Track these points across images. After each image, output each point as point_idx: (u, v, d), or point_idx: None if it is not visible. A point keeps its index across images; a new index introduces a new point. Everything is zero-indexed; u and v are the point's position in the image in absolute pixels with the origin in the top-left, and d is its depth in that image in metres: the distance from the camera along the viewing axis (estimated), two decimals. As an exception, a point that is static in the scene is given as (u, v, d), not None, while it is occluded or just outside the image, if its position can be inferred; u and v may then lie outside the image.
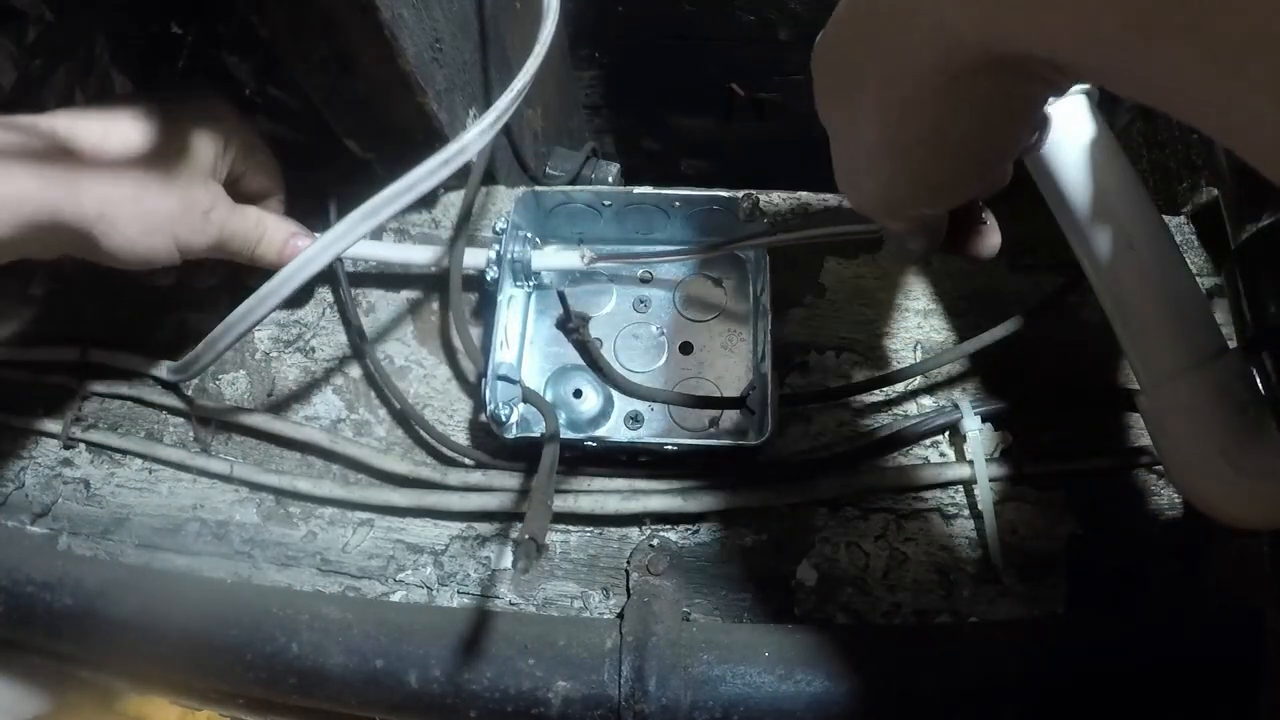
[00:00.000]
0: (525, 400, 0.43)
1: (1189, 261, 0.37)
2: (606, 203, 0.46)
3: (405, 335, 0.49)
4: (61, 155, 0.37)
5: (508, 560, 0.44)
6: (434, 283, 0.50)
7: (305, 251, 0.39)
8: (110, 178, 0.38)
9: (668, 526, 0.43)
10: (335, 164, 0.50)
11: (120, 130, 0.39)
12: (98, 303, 0.52)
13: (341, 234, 0.39)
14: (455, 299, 0.46)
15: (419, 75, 0.41)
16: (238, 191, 0.46)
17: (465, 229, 0.48)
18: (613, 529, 0.44)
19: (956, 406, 0.43)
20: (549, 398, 0.45)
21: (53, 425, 0.49)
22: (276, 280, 0.40)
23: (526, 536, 0.30)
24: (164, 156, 0.39)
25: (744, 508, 0.43)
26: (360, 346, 0.47)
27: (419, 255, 0.48)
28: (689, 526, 0.43)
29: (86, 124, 0.38)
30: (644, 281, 0.48)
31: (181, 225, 0.41)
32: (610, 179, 0.65)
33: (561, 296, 0.34)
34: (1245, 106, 0.16)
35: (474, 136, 0.39)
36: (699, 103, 0.81)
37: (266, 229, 0.45)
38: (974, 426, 0.42)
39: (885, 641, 0.38)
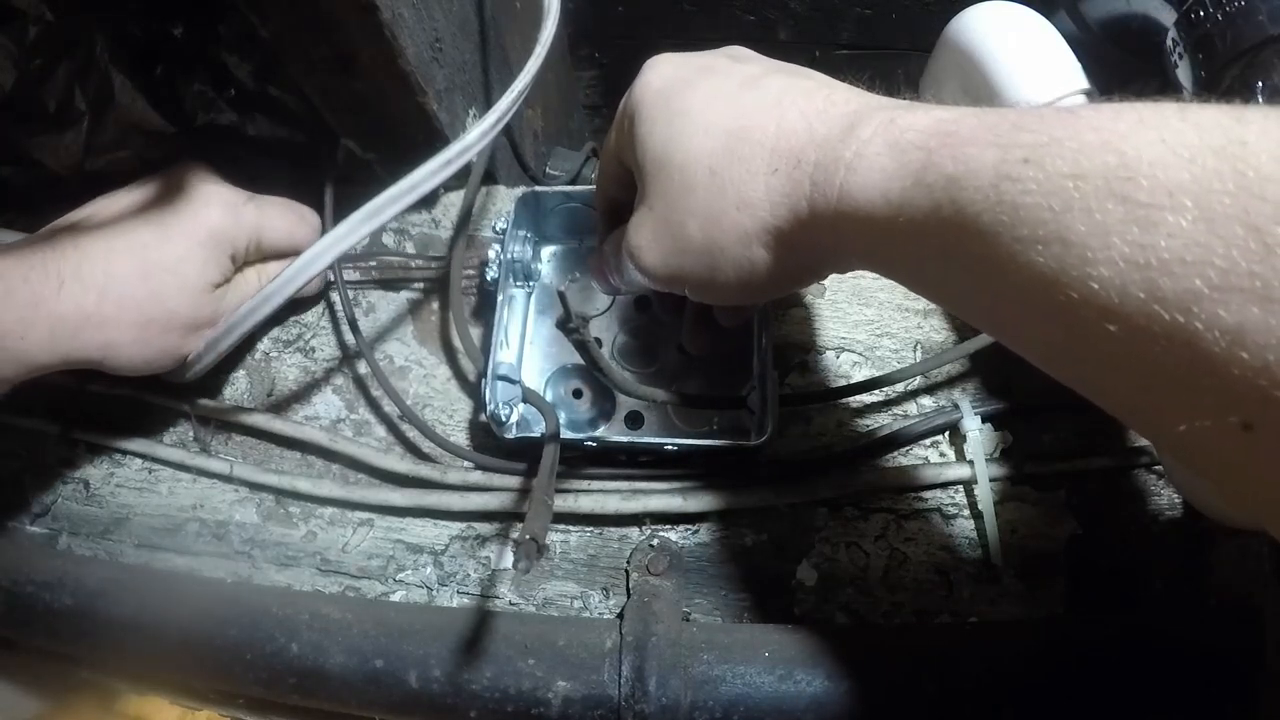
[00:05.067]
0: (525, 400, 0.43)
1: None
2: (606, 203, 0.46)
3: (405, 335, 0.49)
4: (65, 307, 0.38)
5: (508, 560, 0.44)
6: (434, 283, 0.50)
7: (306, 254, 0.39)
8: (113, 323, 0.39)
9: (668, 526, 0.43)
10: (335, 164, 0.50)
11: (119, 279, 0.39)
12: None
13: (342, 235, 0.39)
14: (455, 299, 0.46)
15: (419, 75, 0.41)
16: (264, 260, 0.46)
17: (465, 229, 0.48)
18: (613, 529, 0.44)
19: (956, 406, 0.43)
20: (549, 398, 0.45)
21: (52, 425, 0.49)
22: (278, 282, 0.40)
23: (527, 536, 0.30)
24: (157, 298, 0.40)
25: (744, 508, 0.43)
26: (360, 346, 0.47)
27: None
28: (689, 526, 0.43)
29: (90, 268, 0.39)
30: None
31: (185, 345, 0.42)
32: (610, 179, 0.65)
33: (561, 296, 0.34)
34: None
35: (475, 137, 0.39)
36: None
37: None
38: (974, 426, 0.42)
39: (885, 641, 0.38)
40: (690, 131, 0.30)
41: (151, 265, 0.40)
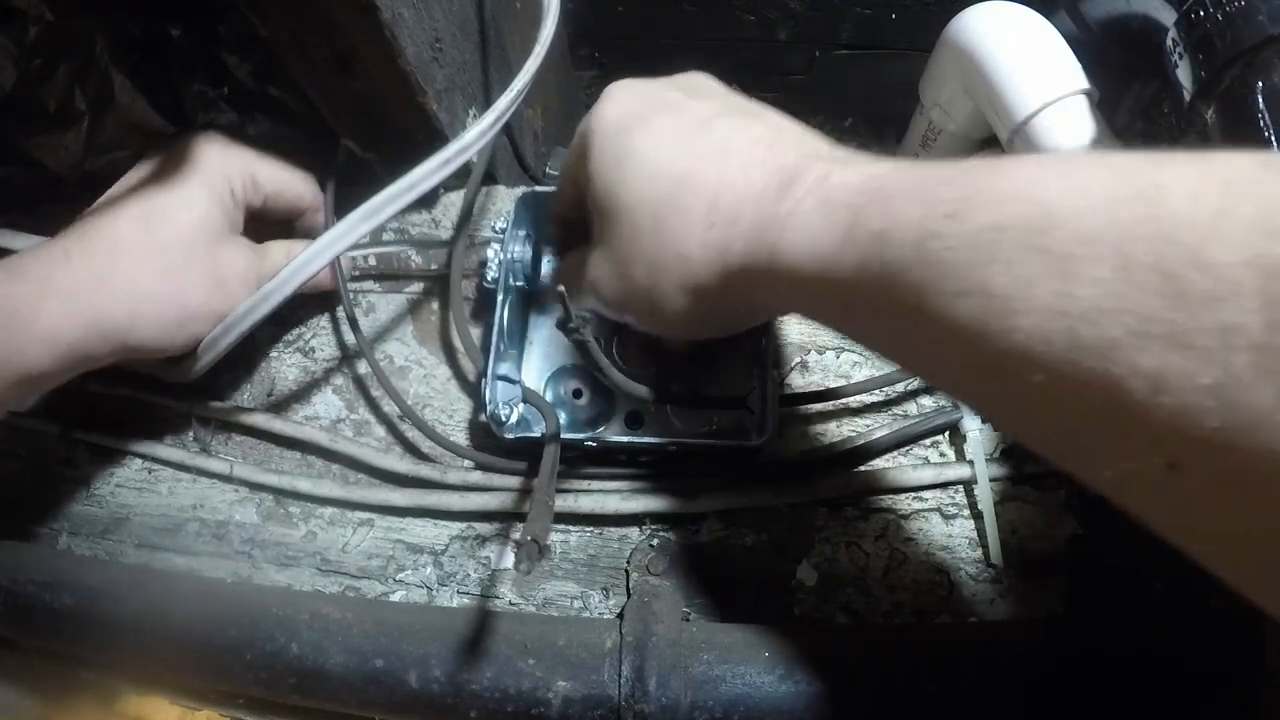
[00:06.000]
0: (525, 400, 0.43)
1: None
2: (606, 203, 0.46)
3: (405, 335, 0.49)
4: (75, 276, 0.37)
5: (508, 560, 0.44)
6: (434, 283, 0.50)
7: (305, 252, 0.39)
8: (128, 288, 0.38)
9: (668, 526, 0.43)
10: (335, 164, 0.50)
11: (125, 237, 0.38)
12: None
13: (341, 234, 0.39)
14: (455, 299, 0.46)
15: (419, 75, 0.41)
16: (270, 221, 0.45)
17: (465, 229, 0.48)
18: (613, 529, 0.44)
19: (956, 406, 0.43)
20: (549, 398, 0.45)
21: (52, 425, 0.49)
22: (277, 280, 0.40)
23: (529, 538, 0.30)
24: (167, 249, 0.39)
25: (744, 508, 0.43)
26: (360, 346, 0.47)
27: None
28: (689, 526, 0.43)
29: (95, 235, 0.38)
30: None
31: (214, 301, 0.40)
32: (610, 179, 0.65)
33: (562, 296, 0.34)
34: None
35: (474, 136, 0.39)
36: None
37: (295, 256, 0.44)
38: (974, 426, 0.42)
39: (885, 641, 0.38)
40: (638, 175, 0.31)
41: (155, 219, 0.39)
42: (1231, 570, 0.18)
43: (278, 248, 0.44)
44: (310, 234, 0.47)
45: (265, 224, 0.45)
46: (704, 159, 0.30)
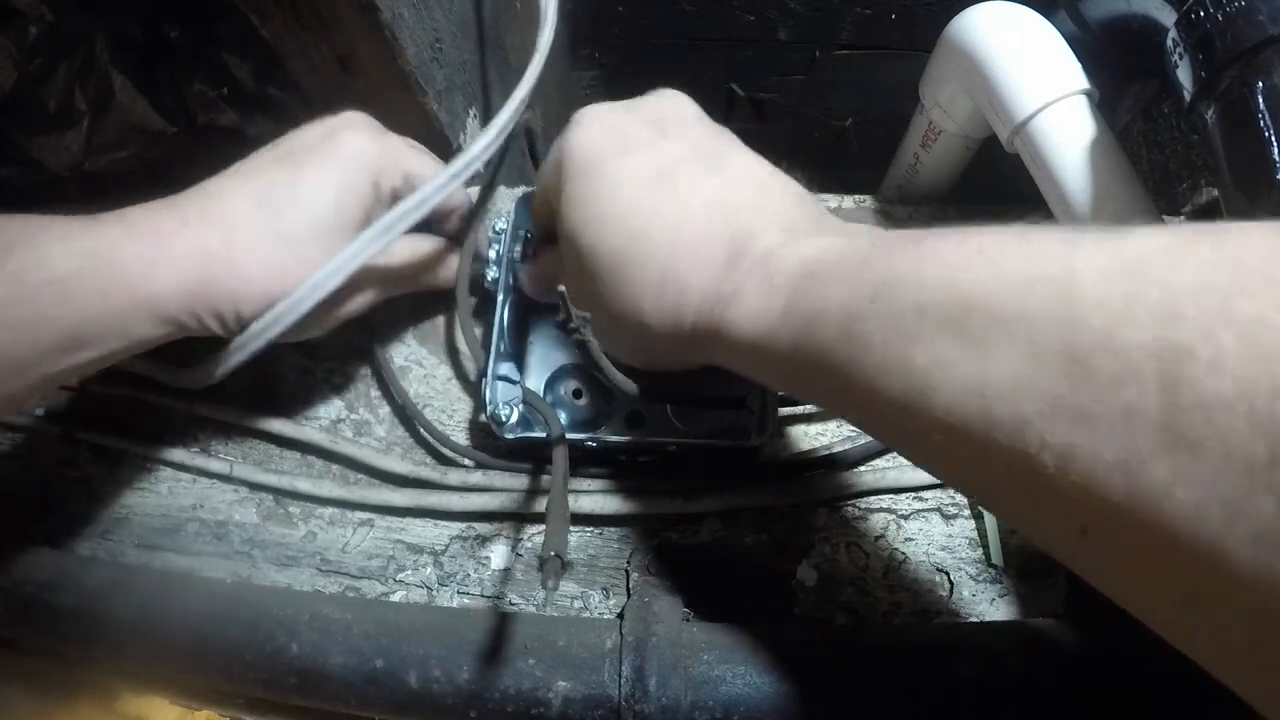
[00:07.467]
0: (525, 402, 0.43)
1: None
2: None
3: (405, 335, 0.49)
4: (188, 244, 0.35)
5: (508, 560, 0.44)
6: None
7: (319, 272, 0.37)
8: (240, 266, 0.36)
9: (668, 526, 0.43)
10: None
11: (245, 217, 0.36)
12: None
13: (356, 252, 0.37)
14: (459, 299, 0.46)
15: (419, 75, 0.41)
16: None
17: (465, 229, 0.48)
18: (613, 529, 0.44)
19: (956, 406, 0.43)
20: (549, 398, 0.45)
21: (52, 425, 0.49)
22: (298, 295, 0.37)
23: (551, 553, 0.30)
24: (286, 238, 0.36)
25: (744, 508, 0.43)
26: (360, 346, 0.47)
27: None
28: (689, 526, 0.43)
29: (217, 207, 0.36)
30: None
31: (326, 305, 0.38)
32: (610, 179, 0.65)
33: (562, 296, 0.34)
34: None
35: (488, 140, 0.39)
36: (699, 102, 0.81)
37: (421, 263, 0.43)
38: (974, 426, 0.42)
39: (885, 641, 0.38)
40: (599, 221, 0.32)
41: (280, 203, 0.36)
42: (1163, 631, 0.19)
43: (402, 242, 0.40)
44: (448, 234, 0.46)
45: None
46: (661, 218, 0.31)
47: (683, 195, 0.32)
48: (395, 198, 0.40)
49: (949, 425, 0.21)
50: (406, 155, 0.40)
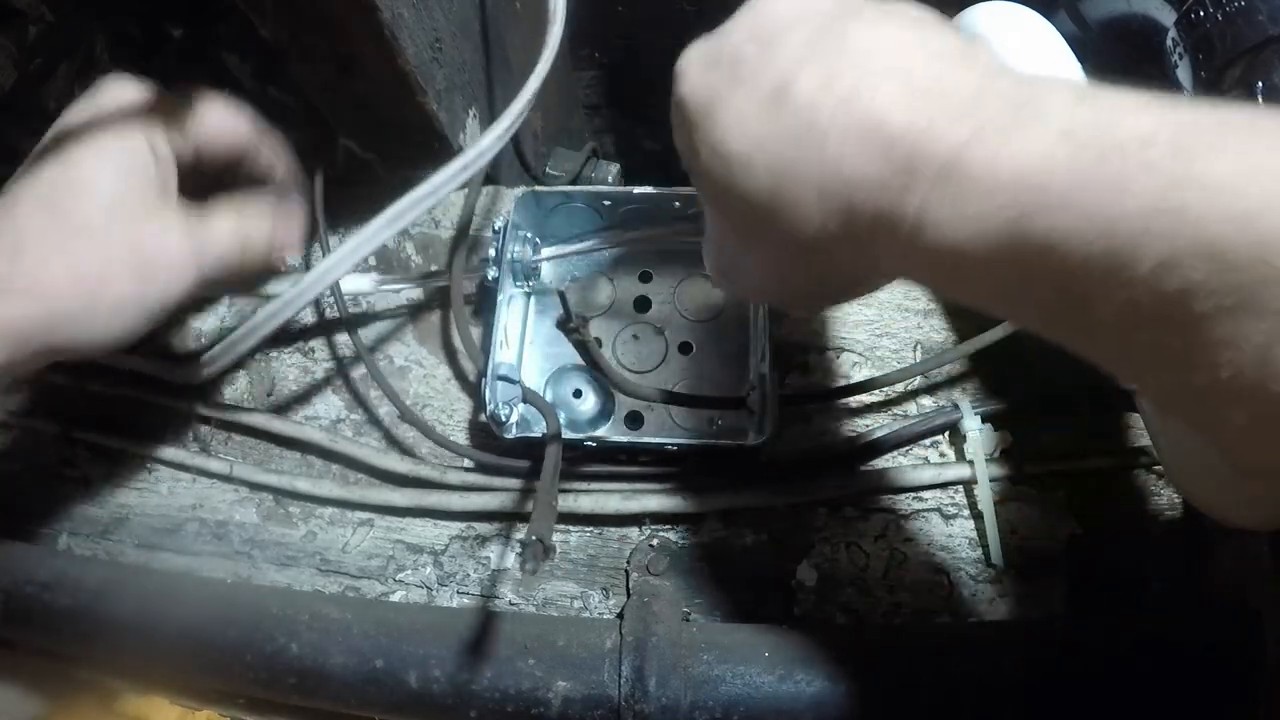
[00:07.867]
0: (525, 400, 0.43)
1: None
2: (606, 203, 0.46)
3: (405, 335, 0.49)
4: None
5: (508, 560, 0.44)
6: (434, 282, 0.50)
7: (322, 265, 0.38)
8: (41, 283, 0.32)
9: (668, 526, 0.43)
10: (335, 164, 0.50)
11: (28, 225, 0.32)
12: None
13: (357, 246, 0.38)
14: (455, 299, 0.46)
15: (419, 75, 0.41)
16: (212, 173, 0.38)
17: (466, 229, 0.48)
18: (613, 529, 0.44)
19: (956, 406, 0.43)
20: (549, 398, 0.45)
21: (52, 425, 0.49)
22: (301, 286, 0.38)
23: (534, 538, 0.30)
24: (78, 233, 0.32)
25: (744, 508, 0.43)
26: (360, 346, 0.47)
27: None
28: (689, 526, 0.43)
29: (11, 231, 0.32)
30: (644, 281, 0.48)
31: (142, 290, 0.34)
32: (610, 179, 0.65)
33: (562, 296, 0.34)
34: None
35: (489, 144, 0.39)
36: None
37: (247, 237, 0.37)
38: (974, 426, 0.42)
39: (885, 641, 0.38)
40: (726, 169, 0.27)
41: (61, 199, 0.32)
42: None
43: (223, 215, 0.36)
44: (266, 179, 0.40)
45: (210, 177, 0.38)
46: (796, 144, 0.25)
47: (809, 104, 0.25)
48: (183, 156, 0.36)
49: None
50: (174, 106, 0.36)
